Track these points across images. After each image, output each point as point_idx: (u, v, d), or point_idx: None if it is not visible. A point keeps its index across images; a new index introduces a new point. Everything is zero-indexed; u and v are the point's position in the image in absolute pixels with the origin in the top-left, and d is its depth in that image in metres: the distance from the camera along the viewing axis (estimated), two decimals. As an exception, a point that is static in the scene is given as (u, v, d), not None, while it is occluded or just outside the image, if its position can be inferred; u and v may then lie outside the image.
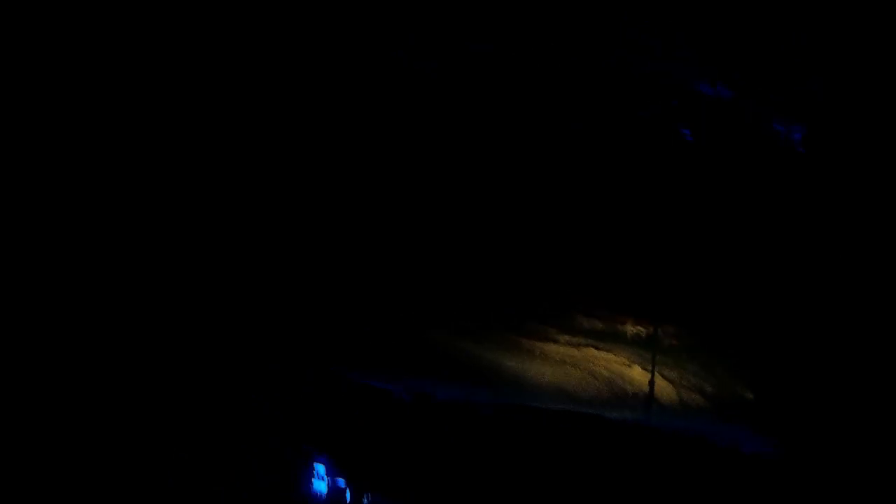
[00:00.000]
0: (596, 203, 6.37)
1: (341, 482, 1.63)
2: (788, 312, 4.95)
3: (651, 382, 4.42)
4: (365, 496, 1.56)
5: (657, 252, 5.87)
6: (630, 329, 5.72)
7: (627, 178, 6.23)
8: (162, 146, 5.77)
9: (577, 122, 6.45)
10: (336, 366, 4.08)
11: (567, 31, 6.18)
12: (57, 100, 5.24)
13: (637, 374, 5.13)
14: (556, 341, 6.19)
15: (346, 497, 1.62)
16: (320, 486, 1.66)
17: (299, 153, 6.79)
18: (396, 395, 2.07)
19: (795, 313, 4.90)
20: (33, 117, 5.04)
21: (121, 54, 5.66)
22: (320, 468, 1.67)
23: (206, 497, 1.77)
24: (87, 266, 4.55)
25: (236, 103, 6.33)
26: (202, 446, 1.98)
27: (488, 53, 6.29)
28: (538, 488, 1.41)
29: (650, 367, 4.69)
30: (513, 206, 6.92)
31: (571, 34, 6.17)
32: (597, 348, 5.96)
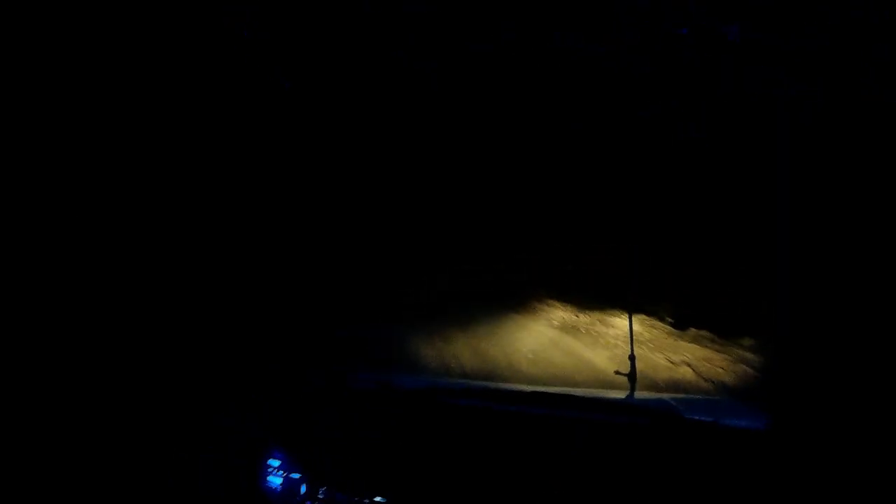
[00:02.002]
0: (592, 200, 6.40)
1: (296, 476, 1.63)
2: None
3: (631, 357, 4.40)
4: (320, 490, 1.57)
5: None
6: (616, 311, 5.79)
7: (626, 177, 6.23)
8: (156, 147, 5.78)
9: (577, 122, 6.45)
10: (288, 358, 4.10)
11: (567, 32, 6.19)
12: (57, 100, 5.25)
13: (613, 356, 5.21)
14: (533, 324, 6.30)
15: (300, 490, 1.62)
16: (275, 480, 1.67)
17: (297, 155, 6.80)
18: (351, 386, 2.04)
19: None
20: (33, 117, 5.05)
21: (121, 54, 5.66)
22: (275, 462, 1.67)
23: (163, 492, 1.78)
24: (60, 268, 4.54)
25: (233, 103, 6.34)
26: (156, 444, 1.98)
27: (488, 53, 6.29)
28: (503, 475, 1.37)
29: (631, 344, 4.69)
30: (510, 204, 6.94)
31: (572, 34, 6.17)
32: (581, 330, 6.05)
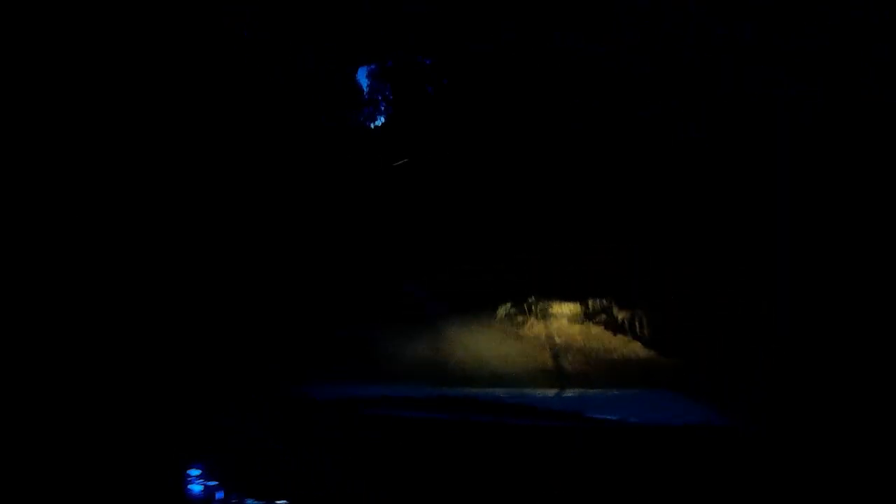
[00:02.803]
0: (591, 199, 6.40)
1: (213, 483, 1.72)
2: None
3: (555, 354, 4.39)
4: (233, 496, 1.67)
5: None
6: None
7: (626, 177, 6.23)
8: (156, 148, 5.78)
9: (577, 122, 6.45)
10: (215, 366, 4.11)
11: (567, 32, 6.19)
12: (59, 99, 5.25)
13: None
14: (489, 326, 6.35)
15: (216, 496, 1.73)
16: (195, 487, 1.76)
17: (297, 156, 6.81)
18: (275, 396, 2.11)
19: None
20: (35, 117, 5.05)
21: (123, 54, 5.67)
22: (195, 472, 1.78)
23: (163, 492, 1.82)
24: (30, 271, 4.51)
25: (234, 103, 6.35)
26: (156, 444, 2.02)
27: (488, 53, 6.31)
28: (408, 479, 1.38)
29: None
30: (510, 204, 6.95)
31: (572, 34, 6.18)
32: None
